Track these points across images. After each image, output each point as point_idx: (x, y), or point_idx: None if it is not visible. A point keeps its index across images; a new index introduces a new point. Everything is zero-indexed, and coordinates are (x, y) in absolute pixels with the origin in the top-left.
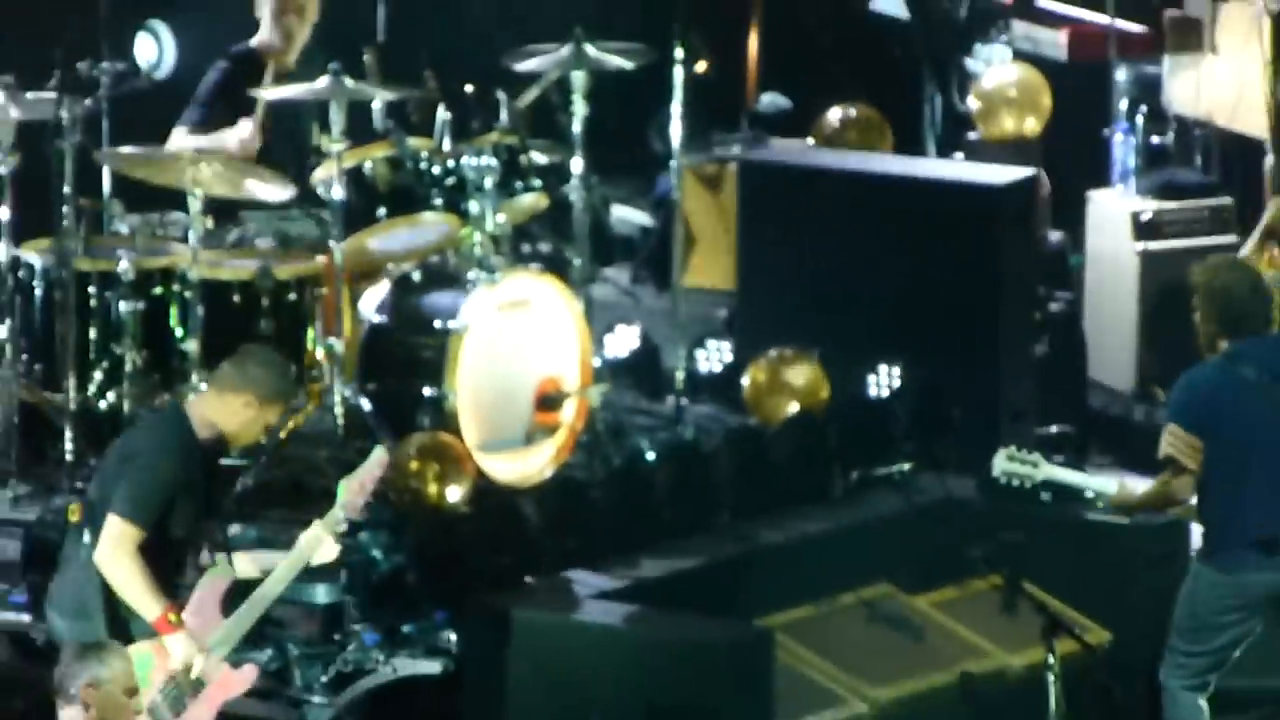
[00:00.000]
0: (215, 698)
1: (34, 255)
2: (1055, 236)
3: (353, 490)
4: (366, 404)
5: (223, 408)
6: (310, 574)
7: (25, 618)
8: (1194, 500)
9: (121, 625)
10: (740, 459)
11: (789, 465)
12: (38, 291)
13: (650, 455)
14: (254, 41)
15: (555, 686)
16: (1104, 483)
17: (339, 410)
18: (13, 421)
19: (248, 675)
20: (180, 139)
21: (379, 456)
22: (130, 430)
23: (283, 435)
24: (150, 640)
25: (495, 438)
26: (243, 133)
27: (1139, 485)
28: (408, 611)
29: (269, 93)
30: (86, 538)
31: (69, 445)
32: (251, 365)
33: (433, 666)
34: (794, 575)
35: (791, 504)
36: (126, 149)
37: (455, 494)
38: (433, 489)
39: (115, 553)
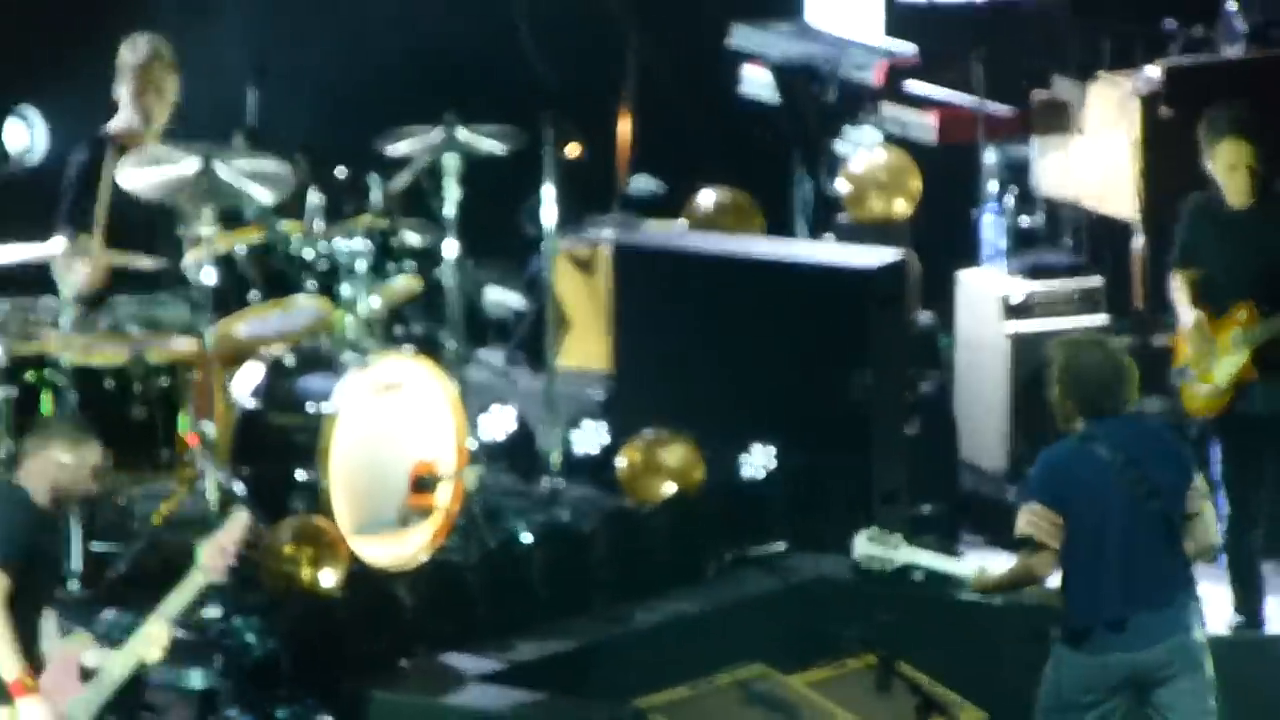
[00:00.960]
0: None
1: None
2: (925, 317)
3: (212, 553)
4: (240, 487)
5: (44, 468)
6: (185, 659)
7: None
8: (1055, 580)
9: None
10: (616, 540)
11: (664, 546)
12: None
13: (526, 537)
14: (112, 125)
15: None
16: (963, 567)
17: (212, 494)
18: None
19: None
20: (57, 241)
21: (239, 518)
22: None
23: (155, 520)
24: (3, 705)
25: (369, 521)
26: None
27: (999, 567)
28: (281, 696)
29: (130, 179)
30: None
31: None
32: (44, 428)
33: None
34: (669, 656)
35: (667, 584)
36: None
37: (329, 578)
38: (306, 573)
39: None
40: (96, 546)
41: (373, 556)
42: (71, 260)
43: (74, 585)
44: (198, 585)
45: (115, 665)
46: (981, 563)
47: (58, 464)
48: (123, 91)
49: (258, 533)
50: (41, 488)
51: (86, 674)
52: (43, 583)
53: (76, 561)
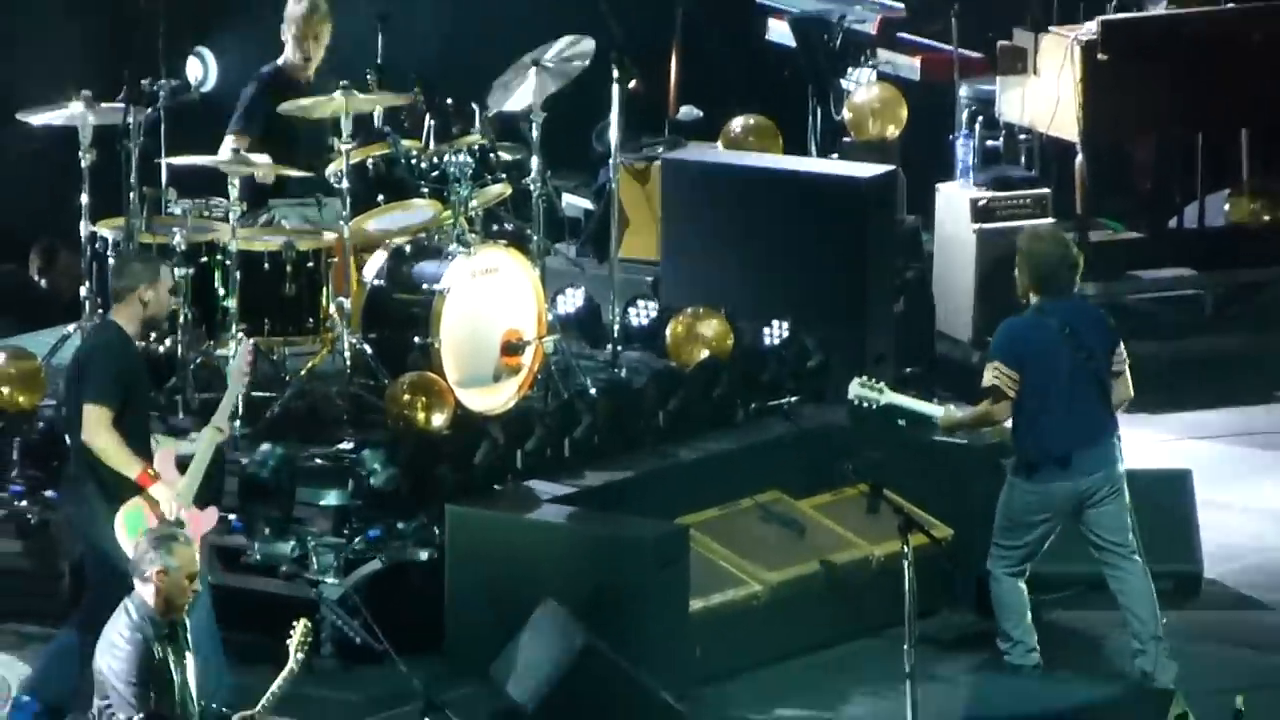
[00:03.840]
0: (194, 534)
1: (107, 231)
2: (910, 219)
3: (235, 376)
4: (368, 349)
5: (131, 305)
6: (324, 482)
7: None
8: (1008, 424)
9: (111, 493)
10: (662, 393)
11: (701, 398)
12: (110, 259)
13: (592, 390)
14: (280, 61)
15: (516, 573)
16: (933, 409)
17: (347, 354)
18: None
19: (212, 515)
20: (228, 142)
21: (246, 344)
22: (79, 347)
23: (302, 374)
24: (135, 497)
25: (470, 376)
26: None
27: (962, 411)
28: (401, 512)
29: (294, 105)
30: (69, 440)
31: None
32: (126, 267)
33: (421, 555)
34: (704, 485)
35: (703, 429)
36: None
37: (438, 420)
38: (420, 416)
39: (95, 430)
40: (256, 394)
41: (472, 404)
42: (238, 166)
43: (238, 425)
44: (236, 392)
45: (200, 453)
46: (950, 407)
47: (143, 299)
48: (288, 36)
49: (259, 354)
50: (132, 321)
51: (180, 463)
52: (141, 401)
53: (239, 407)
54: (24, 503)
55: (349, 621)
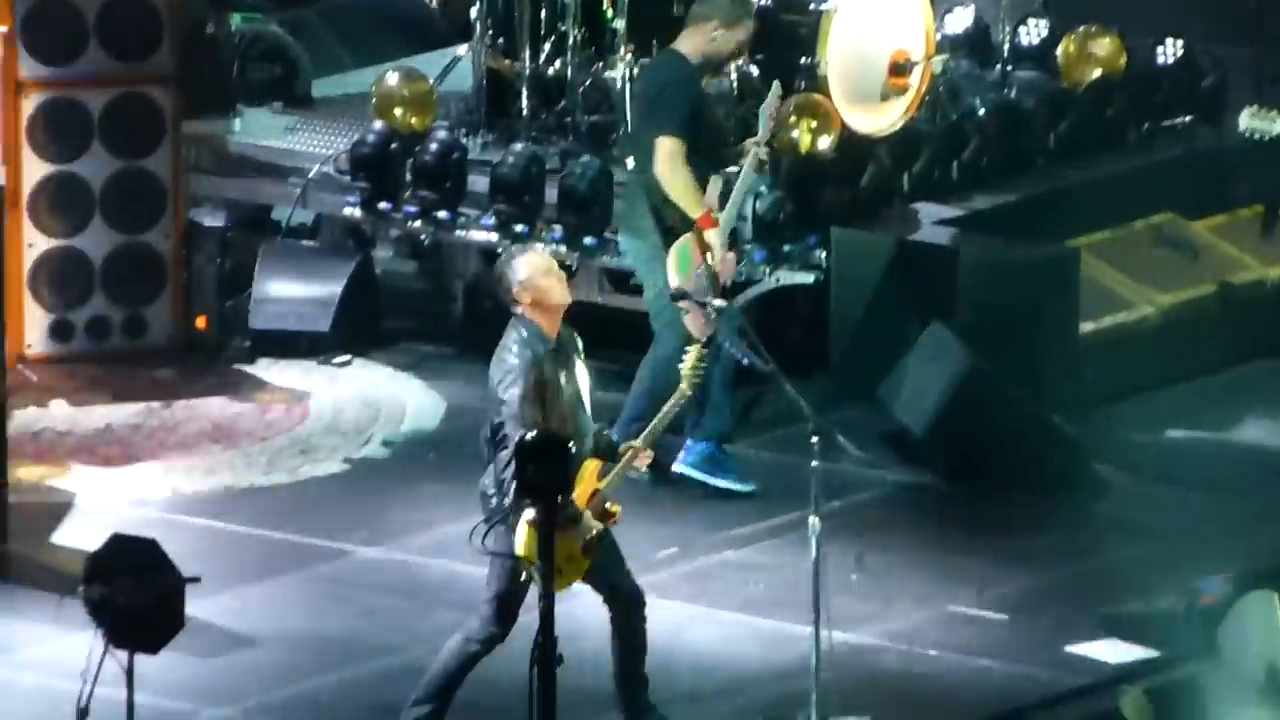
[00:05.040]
0: (724, 276)
1: None
2: None
3: (769, 113)
4: (755, 71)
5: (701, 37)
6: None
7: (494, 236)
8: None
9: (666, 230)
10: (1053, 114)
11: (1093, 119)
12: None
13: (981, 112)
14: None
15: (902, 295)
16: None
17: (734, 78)
18: (481, 84)
19: (730, 258)
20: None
21: (775, 89)
22: (645, 75)
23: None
24: (687, 235)
25: (857, 97)
26: None
27: None
28: (787, 235)
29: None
30: (630, 164)
31: (524, 103)
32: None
33: (806, 278)
34: (1095, 206)
35: (1094, 150)
36: None
37: (825, 142)
38: (807, 139)
39: (669, 162)
40: None
41: (859, 125)
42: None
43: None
44: (766, 131)
45: (740, 185)
46: None
47: (713, 35)
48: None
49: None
50: (695, 53)
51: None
52: (706, 141)
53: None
54: (417, 224)
55: (736, 342)
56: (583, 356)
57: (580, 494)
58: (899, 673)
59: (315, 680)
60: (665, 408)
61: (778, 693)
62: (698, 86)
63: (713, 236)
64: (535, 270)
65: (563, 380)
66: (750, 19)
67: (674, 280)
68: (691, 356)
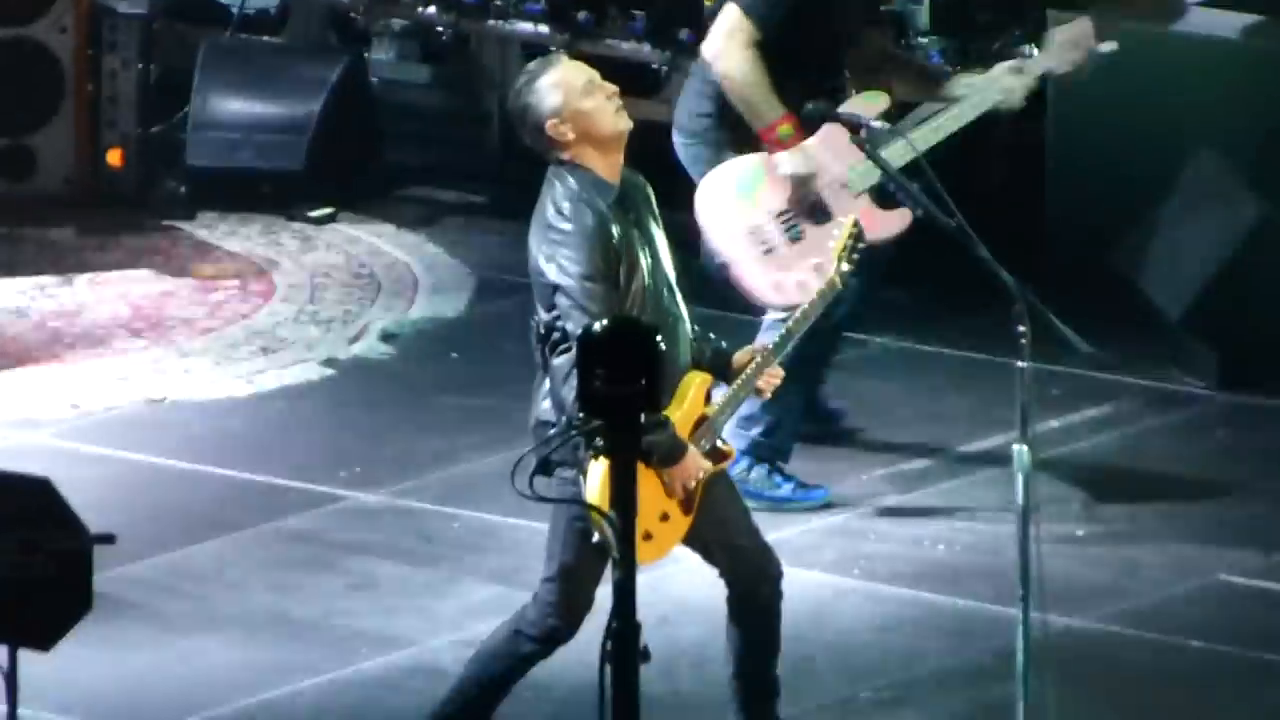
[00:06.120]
0: (874, 232)
1: None
2: None
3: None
4: None
5: None
6: None
7: (544, 28)
8: None
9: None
10: None
11: None
12: None
13: None
14: None
15: (1153, 112)
16: None
17: None
18: None
19: (899, 218)
20: None
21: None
22: None
23: None
24: (756, 155)
25: None
26: None
27: None
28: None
29: None
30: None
31: None
32: None
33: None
34: None
35: None
36: None
37: None
38: None
39: (726, 44)
40: None
41: None
42: None
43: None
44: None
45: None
46: None
47: None
48: None
49: None
50: None
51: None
52: (828, 40)
53: None
54: (432, 9)
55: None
56: (656, 214)
57: (681, 419)
58: (1148, 671)
59: (283, 686)
60: (805, 304)
61: (968, 703)
62: None
63: (786, 163)
64: (571, 90)
65: (638, 246)
66: None
67: (725, 206)
68: (845, 230)
